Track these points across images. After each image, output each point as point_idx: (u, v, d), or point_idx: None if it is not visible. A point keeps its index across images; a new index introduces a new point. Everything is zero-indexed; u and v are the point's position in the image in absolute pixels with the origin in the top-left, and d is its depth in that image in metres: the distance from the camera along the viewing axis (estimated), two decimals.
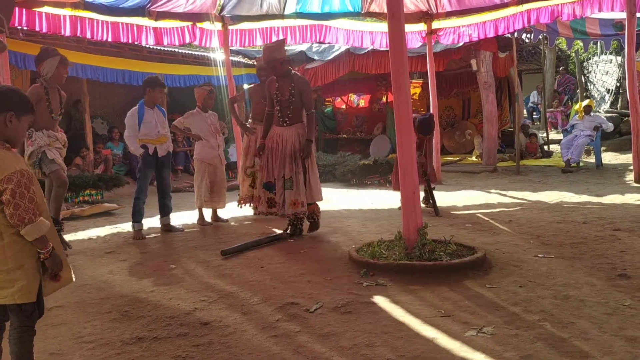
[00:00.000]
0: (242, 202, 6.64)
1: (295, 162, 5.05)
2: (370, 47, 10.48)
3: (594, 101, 13.71)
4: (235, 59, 11.52)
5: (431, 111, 8.87)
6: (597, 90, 15.88)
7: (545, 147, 12.37)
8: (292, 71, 5.26)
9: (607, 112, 13.62)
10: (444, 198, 7.25)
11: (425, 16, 8.99)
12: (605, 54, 14.88)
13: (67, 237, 5.64)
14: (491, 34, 9.17)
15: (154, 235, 5.72)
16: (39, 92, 4.72)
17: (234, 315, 3.14)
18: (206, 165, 6.09)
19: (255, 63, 9.02)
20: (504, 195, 7.51)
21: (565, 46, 16.30)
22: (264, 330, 2.90)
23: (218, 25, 9.06)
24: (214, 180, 6.10)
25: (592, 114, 10.54)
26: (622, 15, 8.16)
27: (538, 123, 15.69)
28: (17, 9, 6.61)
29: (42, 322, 2.50)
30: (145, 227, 5.72)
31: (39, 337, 2.35)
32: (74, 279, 2.40)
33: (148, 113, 5.55)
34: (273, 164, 5.14)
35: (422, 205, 5.86)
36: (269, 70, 5.31)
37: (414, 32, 9.35)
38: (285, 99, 5.11)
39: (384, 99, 14.10)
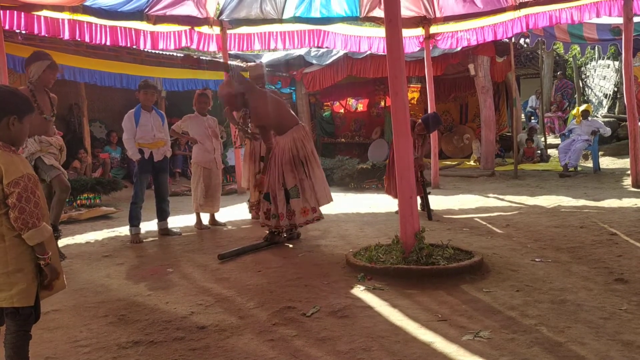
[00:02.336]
0: (253, 208, 6.49)
1: (296, 169, 4.93)
2: (368, 52, 10.51)
3: (592, 106, 13.75)
4: (234, 63, 11.54)
5: None
6: (595, 95, 15.92)
7: (544, 152, 12.40)
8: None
9: (604, 116, 13.65)
10: (441, 202, 7.26)
11: (423, 21, 9.03)
12: (603, 59, 14.91)
13: (65, 241, 5.65)
14: (489, 39, 9.21)
15: (152, 239, 5.72)
16: None
17: (230, 319, 3.14)
18: (202, 169, 6.08)
19: (246, 66, 8.96)
20: (502, 199, 7.51)
21: (562, 51, 16.35)
22: (260, 335, 2.90)
23: (216, 30, 9.10)
24: (208, 184, 6.07)
25: (589, 118, 10.58)
26: (620, 20, 8.20)
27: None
28: (15, 12, 6.63)
29: (38, 326, 2.49)
30: (142, 231, 5.73)
31: (34, 341, 2.34)
32: (66, 286, 2.40)
33: (144, 116, 5.54)
34: (272, 175, 5.01)
35: (419, 210, 5.86)
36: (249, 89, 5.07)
37: (412, 37, 9.38)
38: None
39: (382, 103, 14.14)
